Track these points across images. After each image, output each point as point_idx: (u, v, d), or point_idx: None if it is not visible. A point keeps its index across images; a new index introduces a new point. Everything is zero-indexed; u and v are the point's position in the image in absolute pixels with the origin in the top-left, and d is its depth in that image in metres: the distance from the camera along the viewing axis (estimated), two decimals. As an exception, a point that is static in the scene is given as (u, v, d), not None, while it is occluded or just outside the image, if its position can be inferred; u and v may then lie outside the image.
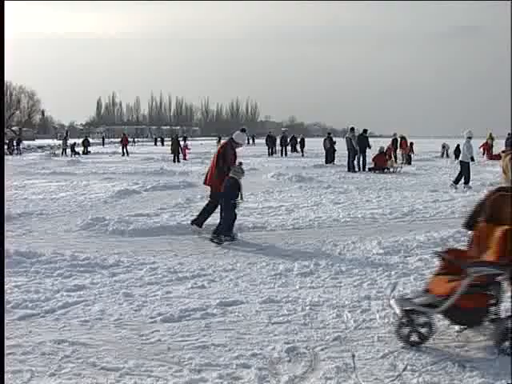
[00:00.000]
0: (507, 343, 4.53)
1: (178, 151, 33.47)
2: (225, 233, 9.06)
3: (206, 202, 10.21)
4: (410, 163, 29.80)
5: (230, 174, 9.27)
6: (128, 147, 44.39)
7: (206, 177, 10.02)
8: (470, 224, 5.11)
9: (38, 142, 76.11)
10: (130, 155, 41.17)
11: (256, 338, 4.90)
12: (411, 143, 32.37)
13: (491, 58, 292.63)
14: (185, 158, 34.89)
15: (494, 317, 4.65)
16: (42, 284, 6.48)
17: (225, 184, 9.26)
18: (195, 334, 5.01)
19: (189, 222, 10.17)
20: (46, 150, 50.75)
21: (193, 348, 4.69)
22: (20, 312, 5.48)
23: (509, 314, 4.67)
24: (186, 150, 36.45)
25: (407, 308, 4.73)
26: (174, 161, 32.39)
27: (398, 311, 4.76)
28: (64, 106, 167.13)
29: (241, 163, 9.74)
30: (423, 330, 4.69)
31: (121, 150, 43.61)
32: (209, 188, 9.99)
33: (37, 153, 46.81)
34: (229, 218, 9.15)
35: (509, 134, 31.04)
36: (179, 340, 4.86)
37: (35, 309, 5.61)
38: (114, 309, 5.67)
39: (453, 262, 4.87)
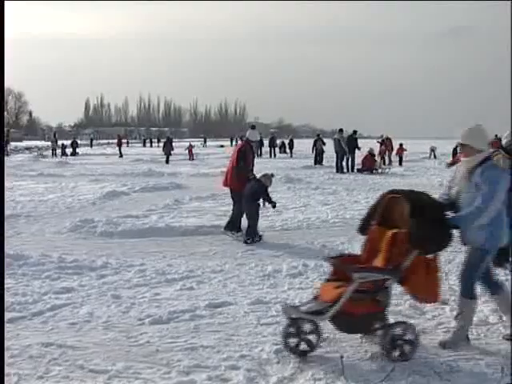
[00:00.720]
0: (397, 352, 4.43)
1: (169, 152, 33.70)
2: (254, 234, 9.23)
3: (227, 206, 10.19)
4: (400, 164, 30.09)
5: (260, 178, 9.43)
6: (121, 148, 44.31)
7: (226, 178, 9.96)
8: (364, 228, 4.96)
9: (26, 143, 75.61)
10: (124, 156, 41.00)
11: (245, 340, 4.90)
12: (401, 144, 32.50)
13: (484, 59, 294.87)
14: (192, 159, 36.51)
15: (382, 323, 4.55)
16: (30, 286, 6.45)
17: (251, 186, 9.36)
18: (184, 335, 5.00)
19: (177, 223, 10.18)
20: (33, 152, 50.42)
21: (181, 350, 4.69)
22: (7, 315, 5.43)
23: (397, 320, 4.59)
24: (192, 151, 38.05)
25: (294, 316, 4.60)
26: (167, 162, 32.50)
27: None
28: (52, 107, 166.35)
29: (272, 175, 9.88)
30: (311, 338, 4.57)
31: (117, 152, 43.52)
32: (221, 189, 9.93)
33: (24, 154, 46.48)
34: (255, 219, 9.32)
35: (496, 136, 31.25)
36: (168, 342, 4.85)
37: (23, 311, 5.58)
38: (103, 311, 5.65)
39: (341, 268, 4.73)
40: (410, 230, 4.43)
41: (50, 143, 47.29)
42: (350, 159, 25.19)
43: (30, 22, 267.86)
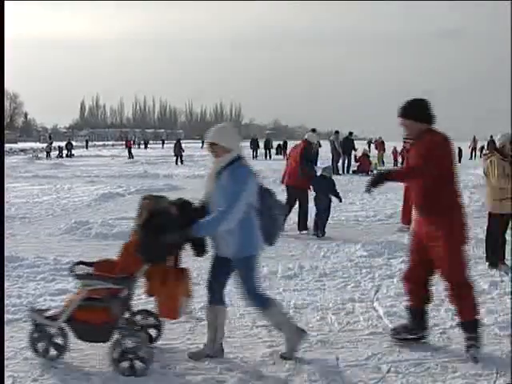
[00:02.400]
0: (126, 365, 4.22)
1: (180, 153, 34.24)
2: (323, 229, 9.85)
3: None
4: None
5: (323, 173, 10.08)
6: (113, 150, 44.35)
7: (287, 177, 10.45)
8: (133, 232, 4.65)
9: (21, 145, 75.38)
10: (139, 157, 40.88)
11: (240, 341, 4.90)
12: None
13: (484, 59, 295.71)
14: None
15: (117, 333, 4.32)
16: (25, 288, 6.43)
17: (320, 182, 9.99)
18: (179, 337, 5.00)
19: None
20: (28, 154, 50.30)
21: (178, 351, 4.68)
22: (2, 317, 5.43)
23: (125, 333, 4.33)
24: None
25: (37, 321, 4.46)
26: (176, 163, 32.87)
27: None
28: (47, 108, 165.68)
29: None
30: (59, 341, 4.46)
31: (126, 153, 43.53)
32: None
33: (19, 156, 46.39)
34: (328, 213, 9.97)
35: (491, 137, 31.38)
36: (164, 343, 4.84)
37: (17, 313, 5.56)
38: (98, 313, 5.63)
39: (82, 276, 4.49)
40: (137, 238, 4.25)
41: (44, 145, 47.21)
42: (346, 160, 25.20)
43: (26, 23, 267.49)
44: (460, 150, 35.88)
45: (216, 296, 4.53)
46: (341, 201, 10.39)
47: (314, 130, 11.40)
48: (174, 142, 36.35)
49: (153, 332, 4.81)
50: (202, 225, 4.23)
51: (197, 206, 4.47)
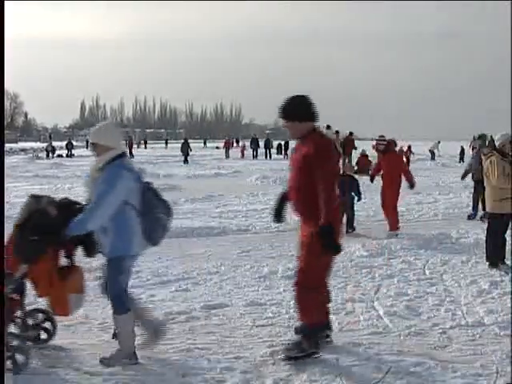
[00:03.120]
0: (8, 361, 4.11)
1: (187, 152, 34.82)
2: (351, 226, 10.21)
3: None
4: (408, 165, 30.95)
5: (347, 173, 10.41)
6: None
7: None
8: None
9: (21, 144, 75.38)
10: (140, 157, 40.93)
11: (240, 341, 4.90)
12: (409, 146, 33.35)
13: (484, 59, 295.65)
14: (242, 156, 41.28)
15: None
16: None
17: (343, 181, 9.75)
18: (179, 337, 5.00)
19: (173, 225, 10.18)
20: (28, 153, 50.28)
21: (177, 351, 4.68)
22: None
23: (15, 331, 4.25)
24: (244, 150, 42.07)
25: None
26: (185, 162, 33.36)
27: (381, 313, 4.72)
28: (47, 108, 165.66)
29: (350, 161, 10.50)
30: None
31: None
32: None
33: (19, 155, 46.36)
34: (353, 211, 10.30)
35: (491, 137, 31.36)
36: (163, 343, 4.83)
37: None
38: (98, 313, 5.64)
39: None
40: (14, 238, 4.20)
41: (45, 144, 47.24)
42: (346, 160, 25.17)
43: (26, 23, 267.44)
44: (462, 149, 36.05)
45: (127, 301, 4.45)
46: (359, 200, 10.66)
47: (328, 127, 11.48)
48: (176, 141, 36.80)
49: (45, 330, 4.77)
50: (72, 224, 4.18)
51: (82, 205, 4.44)
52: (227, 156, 41.28)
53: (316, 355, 4.48)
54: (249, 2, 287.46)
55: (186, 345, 4.81)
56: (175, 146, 53.36)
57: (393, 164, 10.30)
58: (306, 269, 4.42)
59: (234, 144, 61.35)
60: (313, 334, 4.49)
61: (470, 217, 11.79)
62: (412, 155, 33.84)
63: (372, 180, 10.93)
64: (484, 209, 11.23)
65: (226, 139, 46.86)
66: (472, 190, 12.36)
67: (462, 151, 36.55)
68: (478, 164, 11.33)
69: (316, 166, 4.21)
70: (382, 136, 11.41)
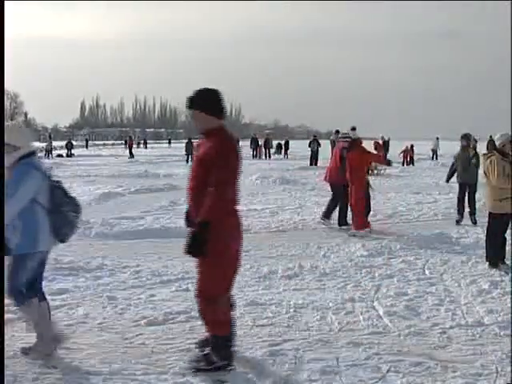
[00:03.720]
0: None
1: (191, 152, 34.44)
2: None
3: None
4: (413, 164, 32.62)
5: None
6: (112, 150, 44.47)
7: (328, 175, 11.08)
8: None
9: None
10: (139, 157, 40.90)
11: (240, 341, 4.89)
12: (412, 145, 33.62)
13: (484, 59, 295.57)
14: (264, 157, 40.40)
15: None
16: (25, 288, 6.42)
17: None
18: (179, 337, 5.00)
19: (173, 225, 10.23)
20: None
21: (177, 351, 4.68)
22: (2, 316, 5.43)
23: None
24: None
25: None
26: (187, 161, 33.51)
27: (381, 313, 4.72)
28: (47, 108, 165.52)
29: (370, 162, 11.01)
30: None
31: (128, 153, 43.63)
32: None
33: (19, 155, 46.24)
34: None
35: (490, 137, 31.36)
36: (163, 343, 4.84)
37: (18, 313, 5.55)
38: (98, 312, 5.64)
39: None
40: None
41: (44, 144, 47.25)
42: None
43: (26, 23, 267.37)
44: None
45: (28, 292, 4.49)
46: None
47: (354, 129, 11.59)
48: (178, 141, 37.01)
49: None
50: None
51: None
52: None
53: (229, 367, 4.31)
54: (249, 3, 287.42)
55: (186, 345, 4.81)
56: (178, 146, 53.34)
57: (357, 163, 10.13)
58: (203, 279, 4.27)
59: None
60: (219, 346, 4.32)
61: (459, 222, 11.16)
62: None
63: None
64: (471, 212, 11.06)
65: None
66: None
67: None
68: (464, 164, 11.10)
69: (216, 166, 4.06)
70: (346, 133, 11.22)
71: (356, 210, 10.03)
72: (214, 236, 4.11)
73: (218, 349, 4.31)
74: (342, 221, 10.61)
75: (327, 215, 10.75)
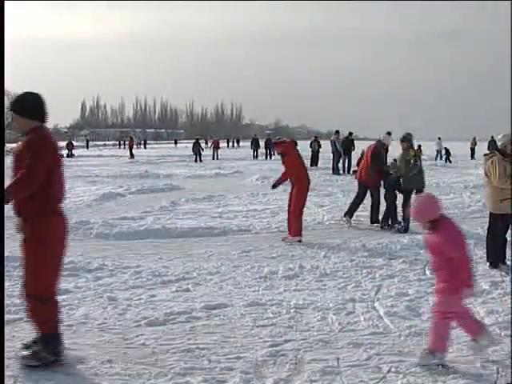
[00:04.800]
0: None
1: (199, 152, 35.75)
2: (394, 221, 10.56)
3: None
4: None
5: (391, 172, 10.66)
6: (113, 150, 44.49)
7: (360, 174, 11.30)
8: None
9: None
10: (140, 157, 40.84)
11: (241, 341, 4.90)
12: (419, 145, 33.50)
13: (484, 59, 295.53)
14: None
15: None
16: (26, 288, 6.42)
17: (388, 180, 10.69)
18: (180, 337, 5.00)
19: (173, 225, 10.22)
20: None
21: (177, 351, 4.68)
22: (3, 317, 5.43)
23: None
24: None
25: None
26: (196, 161, 34.06)
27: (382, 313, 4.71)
28: (48, 108, 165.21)
29: (395, 160, 10.82)
30: None
31: (128, 153, 43.60)
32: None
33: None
34: (393, 207, 10.58)
35: (492, 137, 31.39)
36: (164, 344, 4.84)
37: (18, 313, 5.55)
38: (98, 313, 5.65)
39: None
40: None
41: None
42: (346, 161, 25.19)
43: (27, 23, 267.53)
44: (447, 150, 36.51)
45: None
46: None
47: (389, 134, 12.08)
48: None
49: None
50: None
51: None
52: (214, 157, 39.67)
53: (60, 362, 4.38)
54: (249, 3, 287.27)
55: (186, 345, 4.81)
56: (180, 146, 53.27)
57: (291, 167, 9.73)
58: (29, 279, 4.31)
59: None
60: (48, 343, 4.39)
61: (400, 230, 10.21)
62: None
63: (275, 186, 10.29)
64: (404, 218, 10.15)
65: (215, 139, 43.86)
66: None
67: (447, 151, 36.79)
68: (406, 168, 10.27)
69: (27, 159, 4.20)
70: (280, 138, 10.98)
71: (296, 217, 9.48)
72: (38, 236, 4.27)
73: (47, 346, 4.38)
74: (375, 219, 10.92)
75: (350, 213, 10.98)
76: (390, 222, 10.59)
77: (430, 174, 24.39)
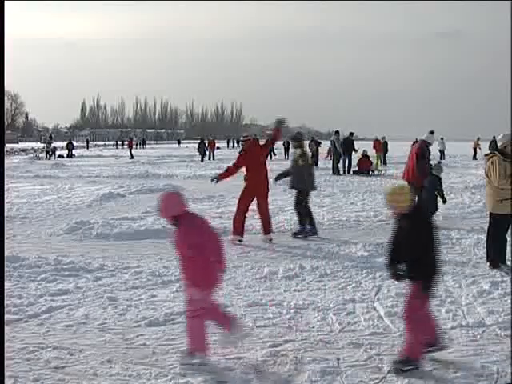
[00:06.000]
0: None
1: (204, 152, 36.26)
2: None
3: None
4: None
5: (433, 172, 10.77)
6: (113, 150, 44.52)
7: (407, 174, 11.29)
8: None
9: (22, 145, 75.50)
10: (140, 157, 40.83)
11: (241, 342, 4.89)
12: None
13: (484, 59, 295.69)
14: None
15: None
16: (26, 288, 6.43)
17: (429, 179, 10.71)
18: (180, 337, 4.99)
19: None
20: (29, 153, 50.29)
21: (178, 352, 4.68)
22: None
23: None
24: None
25: None
26: (202, 160, 34.40)
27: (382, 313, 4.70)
28: (48, 108, 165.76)
29: (440, 162, 10.94)
30: None
31: (128, 153, 43.61)
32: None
33: (20, 156, 46.37)
34: (433, 208, 10.54)
35: (494, 138, 31.36)
36: (164, 344, 4.85)
37: (18, 313, 5.57)
38: (99, 313, 5.65)
39: None
40: None
41: (45, 145, 47.27)
42: (346, 161, 25.17)
43: (26, 23, 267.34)
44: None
45: None
46: (444, 201, 11.01)
47: (432, 132, 12.13)
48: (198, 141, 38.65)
49: None
50: None
51: None
52: (210, 158, 38.45)
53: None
54: (249, 3, 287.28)
55: (186, 345, 4.80)
56: (181, 146, 53.15)
57: (242, 164, 9.94)
58: None
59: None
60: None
61: (305, 234, 9.90)
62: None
63: (215, 180, 10.41)
64: (310, 223, 9.95)
65: (210, 139, 41.72)
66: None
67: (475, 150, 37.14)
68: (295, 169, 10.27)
69: None
70: (246, 136, 11.01)
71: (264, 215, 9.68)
72: None
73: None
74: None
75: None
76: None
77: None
